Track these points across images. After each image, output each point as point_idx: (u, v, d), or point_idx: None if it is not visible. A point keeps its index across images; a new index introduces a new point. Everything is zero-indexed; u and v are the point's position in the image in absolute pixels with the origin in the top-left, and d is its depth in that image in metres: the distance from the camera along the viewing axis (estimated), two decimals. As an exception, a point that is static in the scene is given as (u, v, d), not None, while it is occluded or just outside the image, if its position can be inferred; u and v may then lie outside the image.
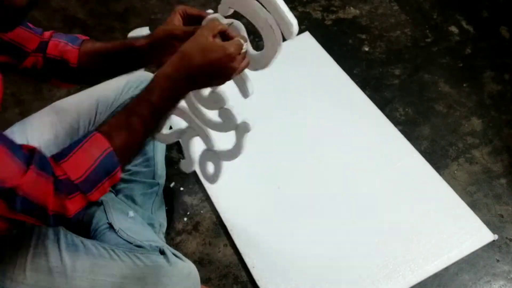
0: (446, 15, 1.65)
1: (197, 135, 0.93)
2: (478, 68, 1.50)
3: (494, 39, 1.57)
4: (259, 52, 0.75)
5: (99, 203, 1.01)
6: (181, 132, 0.96)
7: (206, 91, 0.83)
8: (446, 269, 1.09)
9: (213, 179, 1.01)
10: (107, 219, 0.98)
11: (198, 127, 0.91)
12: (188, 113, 0.90)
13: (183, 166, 1.02)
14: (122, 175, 1.11)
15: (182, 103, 0.87)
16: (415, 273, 1.08)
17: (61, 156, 0.65)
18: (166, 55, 0.76)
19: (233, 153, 0.91)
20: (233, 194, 1.22)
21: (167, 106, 0.73)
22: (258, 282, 1.08)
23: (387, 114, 1.37)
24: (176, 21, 0.80)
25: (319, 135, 1.32)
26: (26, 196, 0.60)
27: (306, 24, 1.63)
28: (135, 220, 1.02)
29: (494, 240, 1.13)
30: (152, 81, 0.71)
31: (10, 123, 0.98)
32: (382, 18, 1.66)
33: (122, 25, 1.72)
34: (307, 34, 1.58)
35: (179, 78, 0.70)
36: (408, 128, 1.35)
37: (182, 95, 0.73)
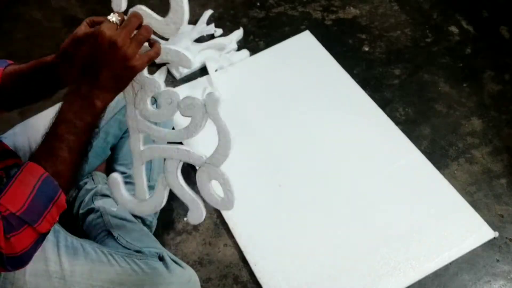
0: (446, 15, 1.65)
1: (180, 160, 0.77)
2: (478, 68, 1.50)
3: (494, 39, 1.57)
4: (164, 18, 0.72)
5: (96, 210, 1.01)
6: (162, 179, 0.80)
7: (149, 105, 0.75)
8: (446, 269, 1.09)
9: (228, 200, 0.79)
10: (105, 226, 0.98)
11: (172, 152, 0.77)
12: (152, 148, 0.78)
13: (192, 217, 0.82)
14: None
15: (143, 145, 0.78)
16: (416, 271, 1.08)
17: None
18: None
19: (224, 143, 0.73)
20: (234, 192, 1.22)
21: (85, 118, 0.67)
22: (260, 280, 1.08)
23: (387, 114, 1.37)
24: (82, 28, 0.75)
25: (320, 134, 1.32)
26: None
27: (306, 24, 1.63)
28: (134, 225, 1.02)
29: (494, 239, 1.13)
30: (63, 100, 0.68)
31: (10, 123, 0.98)
32: (382, 18, 1.66)
33: (122, 25, 1.72)
34: (307, 33, 1.58)
35: (79, 89, 0.67)
36: (408, 128, 1.35)
37: (96, 103, 0.68)
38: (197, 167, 0.77)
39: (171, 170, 0.77)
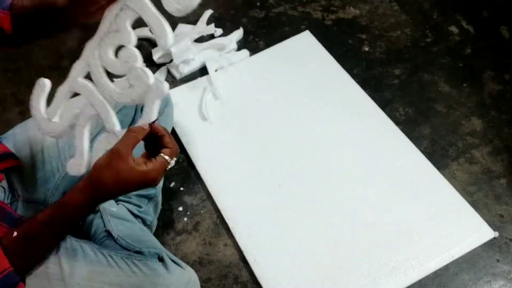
0: (446, 15, 1.65)
1: (96, 114, 0.73)
2: (478, 68, 1.50)
3: (494, 39, 1.57)
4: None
5: (96, 210, 1.01)
6: (75, 116, 0.75)
7: (111, 53, 0.73)
8: (446, 269, 1.09)
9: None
10: (105, 226, 0.97)
11: (98, 101, 0.72)
12: (86, 86, 0.73)
13: (72, 167, 0.76)
14: None
15: (80, 76, 0.75)
16: (416, 271, 1.08)
17: None
18: (88, 11, 0.72)
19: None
20: (234, 193, 1.22)
21: (82, 215, 0.69)
22: (260, 280, 1.08)
23: (387, 114, 1.37)
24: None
25: (320, 133, 1.32)
26: None
27: (306, 24, 1.63)
28: (134, 225, 1.02)
29: (495, 238, 1.13)
30: (61, 206, 0.67)
31: (10, 123, 0.98)
32: (382, 18, 1.66)
33: (122, 25, 1.72)
34: (307, 33, 1.58)
35: (89, 205, 0.67)
36: (408, 128, 1.35)
37: (93, 209, 0.70)
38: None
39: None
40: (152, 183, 0.66)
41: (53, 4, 0.76)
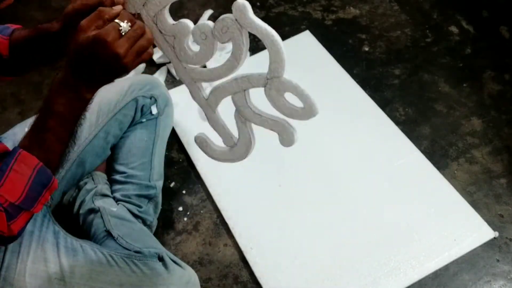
0: (446, 15, 1.65)
1: (243, 90, 0.72)
2: (478, 68, 1.50)
3: (494, 39, 1.57)
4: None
5: (96, 210, 1.01)
6: (238, 117, 0.74)
7: (186, 52, 0.71)
8: (446, 269, 1.09)
9: (309, 103, 0.75)
10: (105, 226, 0.97)
11: (235, 82, 0.72)
12: (215, 88, 0.73)
13: (285, 141, 0.77)
14: (118, 177, 1.11)
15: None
16: (416, 270, 1.08)
17: None
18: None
19: (272, 47, 0.67)
20: (234, 193, 1.22)
21: (74, 108, 0.69)
22: (260, 280, 1.08)
23: (387, 114, 1.37)
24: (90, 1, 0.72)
25: (320, 134, 1.32)
26: None
27: (306, 24, 1.63)
28: (134, 225, 1.02)
29: (495, 238, 1.13)
30: (50, 88, 0.69)
31: (10, 123, 0.98)
32: (382, 18, 1.66)
33: (122, 25, 1.72)
34: (307, 33, 1.58)
35: (72, 79, 0.67)
36: (408, 128, 1.35)
37: (86, 95, 0.68)
38: (263, 88, 0.71)
39: (242, 104, 0.73)
40: (107, 48, 0.63)
41: (48, 30, 0.77)
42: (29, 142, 0.68)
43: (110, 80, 0.69)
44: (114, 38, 0.63)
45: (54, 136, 0.67)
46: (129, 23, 0.64)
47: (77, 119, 0.70)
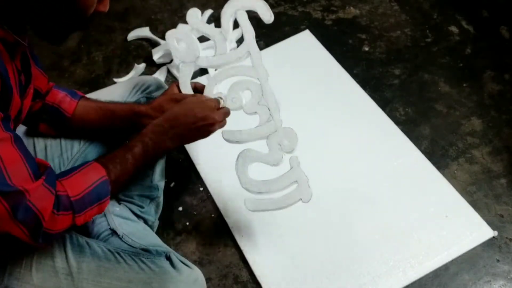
0: (446, 15, 1.65)
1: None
2: (478, 68, 1.50)
3: (494, 39, 1.57)
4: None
5: None
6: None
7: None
8: (446, 268, 1.09)
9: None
10: (109, 224, 0.97)
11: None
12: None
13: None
14: None
15: None
16: (415, 269, 1.08)
17: (62, 175, 0.71)
18: None
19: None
20: (233, 192, 1.22)
21: (156, 151, 0.85)
22: (260, 280, 1.08)
23: (387, 114, 1.37)
24: (174, 90, 0.98)
25: (320, 133, 1.32)
26: (30, 204, 0.63)
27: (306, 24, 1.63)
28: (138, 225, 1.02)
29: (494, 238, 1.13)
30: (146, 127, 0.85)
31: (10, 123, 0.98)
32: (382, 18, 1.66)
33: (122, 25, 1.72)
34: (307, 33, 1.58)
35: (168, 128, 0.85)
36: (408, 128, 1.35)
37: (170, 145, 0.86)
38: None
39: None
40: (210, 112, 0.89)
41: (139, 110, 0.96)
42: (111, 158, 0.78)
43: (194, 139, 0.91)
44: (216, 106, 0.92)
45: (133, 160, 0.80)
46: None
47: (154, 161, 0.94)
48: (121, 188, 0.82)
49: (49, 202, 0.65)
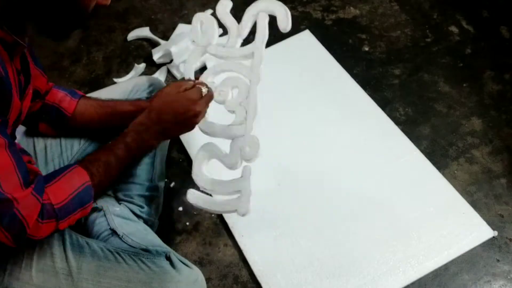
0: (446, 15, 1.65)
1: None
2: (478, 68, 1.50)
3: (494, 39, 1.57)
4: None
5: (99, 209, 1.01)
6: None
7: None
8: (446, 268, 1.09)
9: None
10: (109, 225, 0.97)
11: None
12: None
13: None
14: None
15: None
16: (415, 269, 1.08)
17: (46, 180, 0.70)
18: None
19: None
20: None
21: (140, 150, 0.84)
22: (260, 280, 1.08)
23: (387, 114, 1.37)
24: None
25: (320, 133, 1.32)
26: (17, 212, 0.63)
27: (306, 24, 1.63)
28: (138, 225, 1.02)
29: (494, 238, 1.13)
30: (129, 126, 0.83)
31: (10, 123, 0.98)
32: (382, 18, 1.66)
33: (122, 25, 1.72)
34: (307, 33, 1.58)
35: (150, 125, 0.83)
36: (408, 128, 1.35)
37: (154, 143, 0.85)
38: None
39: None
40: (192, 105, 0.85)
41: (142, 105, 0.94)
42: (93, 158, 0.77)
43: (179, 133, 0.91)
44: (198, 97, 0.87)
45: (116, 162, 0.78)
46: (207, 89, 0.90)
47: (139, 160, 0.87)
48: (105, 190, 0.83)
49: (35, 211, 0.66)
